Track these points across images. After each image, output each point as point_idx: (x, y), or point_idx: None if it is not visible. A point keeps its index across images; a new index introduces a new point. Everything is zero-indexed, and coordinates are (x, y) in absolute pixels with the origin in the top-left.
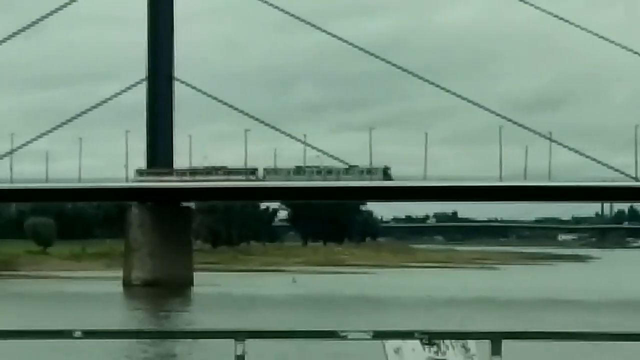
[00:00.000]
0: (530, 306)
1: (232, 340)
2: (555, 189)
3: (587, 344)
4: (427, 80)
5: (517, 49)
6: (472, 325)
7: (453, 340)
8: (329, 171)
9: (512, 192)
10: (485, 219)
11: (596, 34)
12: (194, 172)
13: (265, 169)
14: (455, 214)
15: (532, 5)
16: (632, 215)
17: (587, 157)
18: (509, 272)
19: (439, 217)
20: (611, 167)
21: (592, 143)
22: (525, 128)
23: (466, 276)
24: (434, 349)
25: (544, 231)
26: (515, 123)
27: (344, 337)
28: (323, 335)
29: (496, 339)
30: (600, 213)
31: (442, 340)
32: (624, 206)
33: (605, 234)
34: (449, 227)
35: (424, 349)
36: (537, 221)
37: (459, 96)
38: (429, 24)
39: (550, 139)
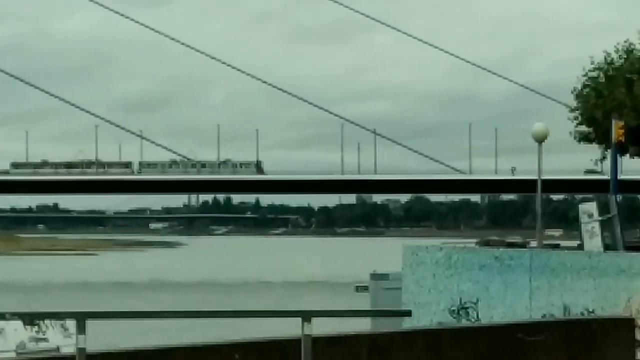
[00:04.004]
0: (121, 288)
1: None
2: (145, 182)
3: (169, 321)
4: (32, 85)
5: (130, 54)
6: (64, 306)
7: (53, 320)
8: (203, 165)
9: (115, 185)
10: (85, 210)
11: (190, 46)
12: (69, 165)
13: (140, 163)
14: (56, 205)
15: (136, 21)
16: (216, 205)
17: (174, 152)
18: (106, 257)
19: (40, 208)
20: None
21: (185, 139)
22: (120, 127)
23: (68, 261)
24: (36, 328)
25: (137, 220)
26: (111, 123)
27: None
28: None
29: (81, 318)
30: (187, 204)
31: (43, 320)
32: (209, 197)
33: (192, 223)
34: (51, 217)
35: (26, 329)
36: (131, 211)
37: (62, 99)
38: (48, 31)
39: (141, 137)
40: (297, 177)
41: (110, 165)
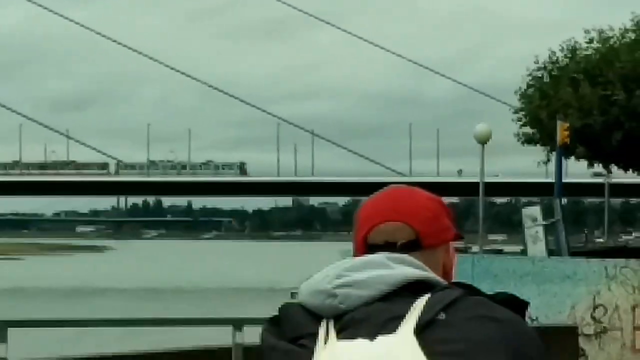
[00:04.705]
0: (48, 294)
1: None
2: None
3: (97, 329)
4: None
5: (59, 52)
6: None
7: None
8: (183, 166)
9: (33, 187)
10: (7, 212)
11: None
12: (43, 166)
13: (117, 164)
14: None
15: (67, 17)
16: (145, 208)
17: (103, 153)
18: (32, 262)
19: None
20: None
21: (115, 139)
22: (45, 126)
23: None
24: None
25: (64, 223)
26: (35, 121)
27: None
28: None
29: (2, 326)
30: (116, 206)
31: None
32: (138, 200)
33: (121, 226)
34: None
35: None
36: (56, 214)
37: None
38: None
39: (67, 137)
40: (281, 180)
41: (86, 166)
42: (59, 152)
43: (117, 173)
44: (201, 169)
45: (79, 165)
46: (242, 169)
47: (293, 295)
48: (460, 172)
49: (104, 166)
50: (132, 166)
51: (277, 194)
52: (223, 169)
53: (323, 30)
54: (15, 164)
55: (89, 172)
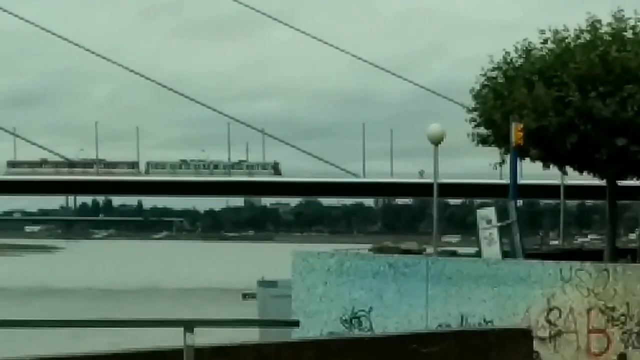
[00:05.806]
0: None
1: None
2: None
3: (45, 330)
4: None
5: (9, 48)
6: None
7: None
8: (216, 166)
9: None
10: None
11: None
12: (72, 164)
13: (148, 163)
14: None
15: (14, 14)
16: (95, 208)
17: (50, 151)
18: None
19: None
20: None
21: (65, 138)
22: None
23: None
24: None
25: (12, 223)
26: None
27: None
28: None
29: None
30: (65, 205)
31: None
32: (88, 199)
33: (71, 226)
34: None
35: None
36: (4, 213)
37: None
38: None
39: (14, 135)
40: (233, 179)
41: (115, 165)
42: (6, 149)
43: (147, 172)
44: (234, 169)
45: (108, 164)
46: (276, 169)
47: (245, 296)
48: (422, 172)
49: (133, 165)
50: (162, 165)
51: (229, 194)
52: (257, 168)
53: (276, 29)
54: (44, 163)
55: (117, 171)
